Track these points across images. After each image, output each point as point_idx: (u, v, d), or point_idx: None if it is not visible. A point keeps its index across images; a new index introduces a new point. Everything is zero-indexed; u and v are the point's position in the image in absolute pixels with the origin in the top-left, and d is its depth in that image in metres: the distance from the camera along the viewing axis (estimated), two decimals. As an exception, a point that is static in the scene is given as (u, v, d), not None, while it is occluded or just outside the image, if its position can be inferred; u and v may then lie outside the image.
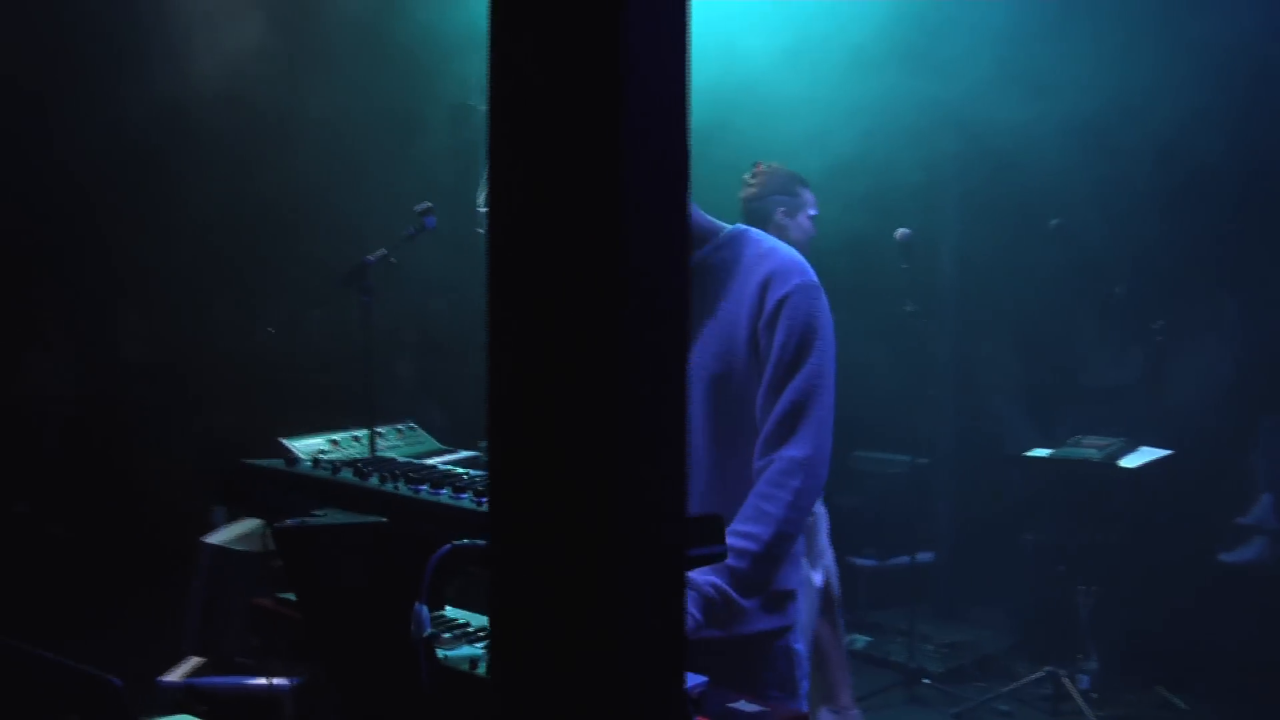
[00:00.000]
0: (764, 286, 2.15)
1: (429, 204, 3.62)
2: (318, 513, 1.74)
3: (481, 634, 2.09)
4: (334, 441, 4.30)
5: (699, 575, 2.04)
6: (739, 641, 2.15)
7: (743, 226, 2.29)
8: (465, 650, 2.00)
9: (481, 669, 1.84)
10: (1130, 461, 4.37)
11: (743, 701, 1.83)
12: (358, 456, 4.51)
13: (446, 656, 1.94)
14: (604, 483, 0.75)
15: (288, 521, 1.62)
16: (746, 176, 4.08)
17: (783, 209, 4.00)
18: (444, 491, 1.72)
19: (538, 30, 0.76)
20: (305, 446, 4.28)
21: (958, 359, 6.13)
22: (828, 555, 4.02)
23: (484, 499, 1.65)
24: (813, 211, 4.01)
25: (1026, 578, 5.37)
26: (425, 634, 1.41)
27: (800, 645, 2.28)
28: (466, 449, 4.66)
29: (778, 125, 5.23)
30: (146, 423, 5.09)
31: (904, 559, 5.30)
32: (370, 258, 3.63)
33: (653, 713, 0.78)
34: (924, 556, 5.70)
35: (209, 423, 4.99)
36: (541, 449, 0.78)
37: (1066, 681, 4.59)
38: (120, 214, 4.79)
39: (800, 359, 2.13)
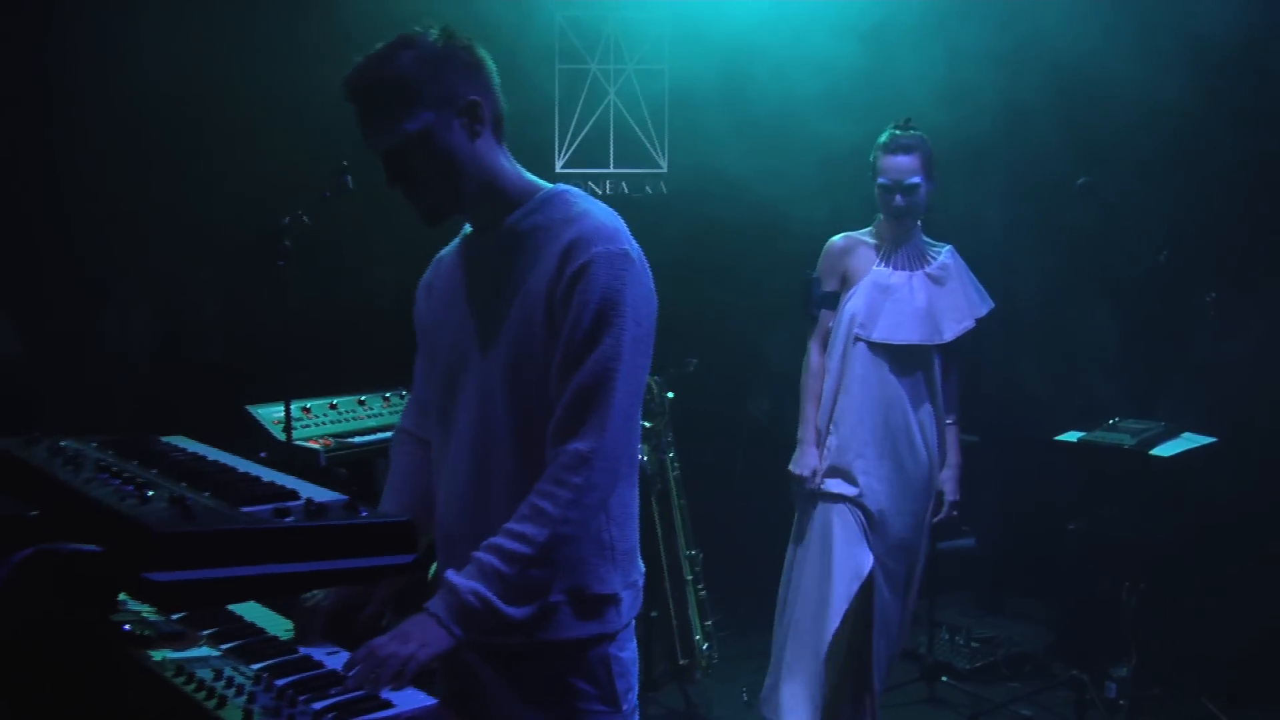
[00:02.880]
0: (564, 255, 1.87)
1: (345, 163, 3.45)
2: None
3: (261, 644, 1.92)
4: (306, 409, 4.23)
5: (462, 580, 1.81)
6: (548, 647, 1.93)
7: (563, 187, 1.99)
8: (201, 652, 1.85)
9: (180, 680, 1.69)
10: (1165, 450, 3.90)
11: None
12: (337, 426, 4.43)
13: (166, 658, 1.79)
14: None
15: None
16: None
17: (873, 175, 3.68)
18: (106, 486, 1.55)
19: None
20: (272, 414, 4.22)
21: (1009, 328, 5.62)
22: (885, 541, 3.69)
23: (149, 500, 1.48)
24: (880, 180, 3.61)
25: (1069, 571, 4.92)
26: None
27: (625, 652, 2.02)
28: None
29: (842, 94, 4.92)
30: (211, 376, 5.07)
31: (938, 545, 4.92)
32: (283, 220, 3.47)
33: None
34: (964, 543, 5.30)
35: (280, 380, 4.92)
36: None
37: (1090, 688, 4.17)
38: (186, 186, 4.78)
39: (594, 338, 1.84)
